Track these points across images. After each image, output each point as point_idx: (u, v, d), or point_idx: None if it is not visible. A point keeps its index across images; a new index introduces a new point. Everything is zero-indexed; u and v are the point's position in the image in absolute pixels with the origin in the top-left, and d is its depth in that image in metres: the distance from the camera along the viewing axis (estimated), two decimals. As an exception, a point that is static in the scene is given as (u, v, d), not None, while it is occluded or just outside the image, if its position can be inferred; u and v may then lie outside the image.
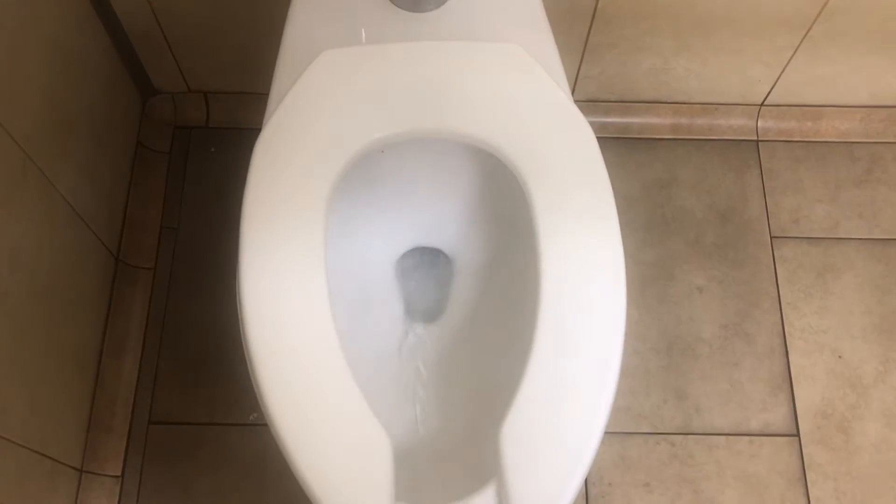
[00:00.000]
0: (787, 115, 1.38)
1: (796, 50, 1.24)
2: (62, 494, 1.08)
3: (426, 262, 1.02)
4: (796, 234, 1.32)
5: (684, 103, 1.37)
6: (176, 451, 1.16)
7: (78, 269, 1.12)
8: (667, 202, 1.33)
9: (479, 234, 0.99)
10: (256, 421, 1.17)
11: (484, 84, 0.82)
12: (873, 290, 1.28)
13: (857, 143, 1.39)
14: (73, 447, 1.11)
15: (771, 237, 1.31)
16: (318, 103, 0.83)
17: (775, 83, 1.32)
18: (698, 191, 1.34)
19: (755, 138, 1.38)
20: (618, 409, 1.19)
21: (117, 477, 1.14)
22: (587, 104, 1.35)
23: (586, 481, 1.15)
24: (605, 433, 0.72)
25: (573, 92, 1.32)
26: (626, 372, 0.76)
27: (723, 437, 1.19)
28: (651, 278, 1.28)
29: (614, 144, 1.35)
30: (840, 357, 1.24)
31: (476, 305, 0.97)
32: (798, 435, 1.19)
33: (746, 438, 1.19)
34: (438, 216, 1.00)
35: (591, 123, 0.83)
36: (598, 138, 0.82)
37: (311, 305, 0.75)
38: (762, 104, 1.37)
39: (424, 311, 0.99)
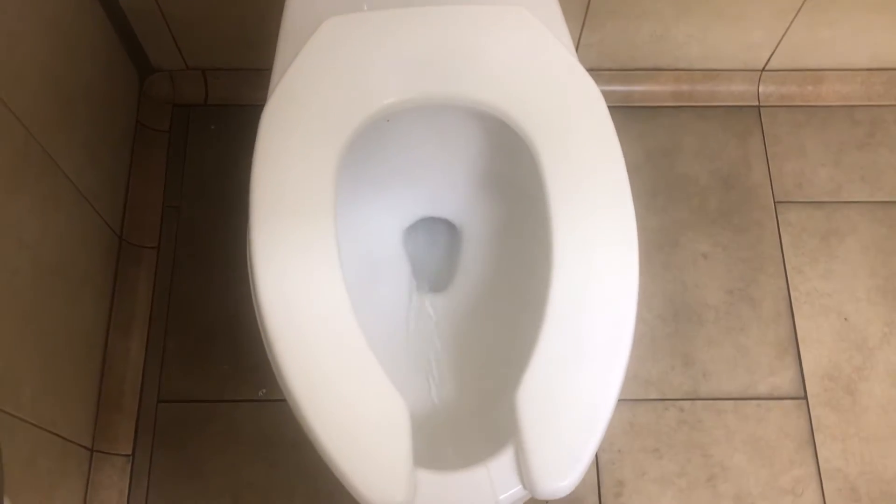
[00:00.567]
0: (788, 80, 1.37)
1: (797, 13, 1.23)
2: (74, 474, 1.08)
3: (434, 232, 1.01)
4: (799, 199, 1.32)
5: (685, 70, 1.36)
6: (186, 428, 1.16)
7: (82, 249, 1.11)
8: (670, 169, 1.33)
9: (487, 202, 0.99)
10: (266, 396, 1.17)
11: (490, 48, 0.82)
12: (877, 252, 1.29)
13: (859, 106, 1.38)
14: (83, 427, 1.10)
15: (774, 202, 1.31)
16: (323, 72, 0.82)
17: (776, 48, 1.32)
18: (701, 158, 1.34)
19: (757, 104, 1.38)
20: (626, 377, 1.19)
21: (128, 456, 1.14)
22: (588, 73, 1.34)
23: (596, 448, 1.16)
24: (615, 400, 0.73)
25: (574, 61, 1.31)
26: (633, 339, 0.76)
27: (731, 402, 1.19)
28: (656, 245, 1.28)
29: (616, 113, 1.32)
30: (846, 319, 1.24)
31: (485, 274, 0.97)
32: (805, 397, 1.20)
33: (754, 402, 1.19)
34: (445, 185, 0.99)
35: (593, 92, 0.83)
36: (601, 107, 0.82)
37: (325, 279, 0.75)
38: (763, 69, 1.37)
39: (433, 281, 0.99)
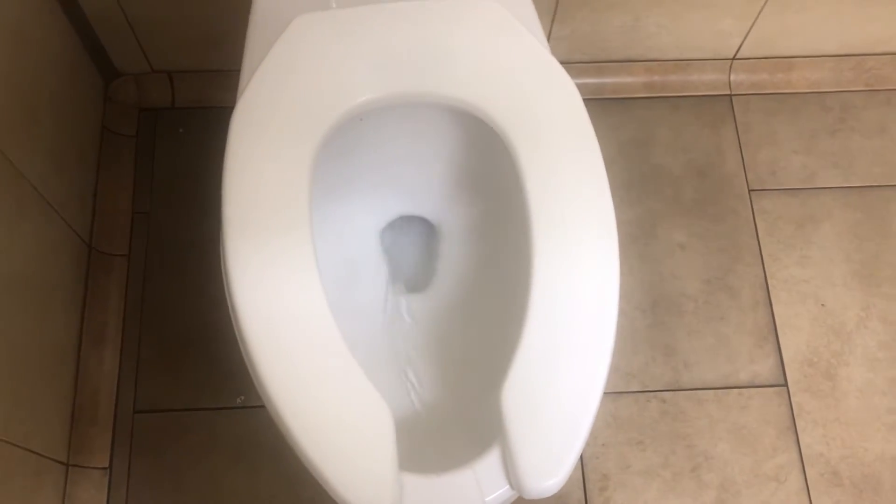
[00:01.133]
0: (758, 68, 1.38)
1: (766, 1, 1.23)
2: (50, 489, 1.05)
3: (411, 231, 1.00)
4: (774, 187, 1.32)
5: (656, 60, 1.36)
6: (163, 438, 1.14)
7: (50, 259, 1.08)
8: (644, 161, 1.33)
9: (464, 199, 0.98)
10: (244, 403, 1.15)
11: (463, 43, 0.81)
12: (852, 237, 1.29)
13: (829, 92, 1.39)
14: (58, 441, 1.08)
15: (749, 190, 1.32)
16: (293, 71, 0.80)
17: (746, 36, 1.32)
18: (675, 148, 1.34)
19: (728, 93, 1.38)
20: (607, 370, 1.19)
21: (105, 469, 1.12)
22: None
23: (580, 443, 1.15)
24: (597, 394, 0.72)
25: (545, 54, 1.30)
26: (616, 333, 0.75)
27: (712, 391, 1.19)
28: (632, 237, 1.28)
29: (588, 105, 1.31)
30: (823, 305, 1.25)
31: (464, 272, 0.96)
32: (786, 384, 1.20)
33: (735, 391, 1.19)
34: (421, 183, 0.98)
35: (566, 85, 0.82)
36: (574, 99, 0.81)
37: (302, 284, 0.73)
38: (734, 58, 1.37)
39: (412, 280, 0.98)
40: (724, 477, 1.15)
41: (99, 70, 1.27)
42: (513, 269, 0.85)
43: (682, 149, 1.34)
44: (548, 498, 1.12)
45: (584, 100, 0.82)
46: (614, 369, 1.20)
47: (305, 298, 0.73)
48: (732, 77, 1.38)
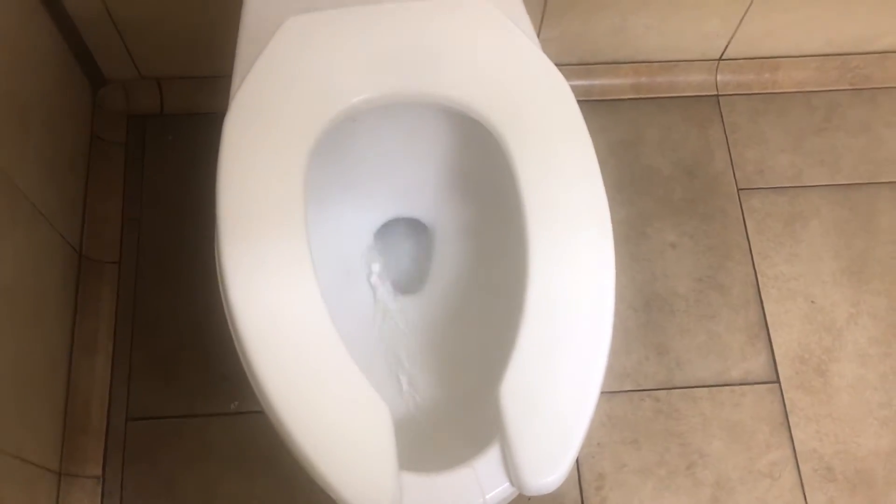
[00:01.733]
0: (745, 69, 1.39)
1: (752, 1, 1.24)
2: (43, 499, 1.04)
3: (405, 232, 1.00)
4: (762, 185, 1.33)
5: (644, 62, 1.37)
6: (157, 446, 1.13)
7: (42, 267, 1.08)
8: (634, 161, 1.34)
9: (458, 200, 0.98)
10: (238, 409, 1.15)
11: (455, 42, 0.81)
12: (839, 234, 1.30)
13: (814, 91, 1.40)
14: (50, 450, 1.07)
15: (738, 189, 1.33)
16: (285, 74, 0.80)
17: (732, 36, 1.33)
18: (663, 148, 1.35)
19: (715, 93, 1.39)
20: (601, 370, 1.20)
21: (98, 477, 1.11)
22: (551, 66, 1.34)
23: (575, 443, 1.15)
24: (591, 394, 0.72)
25: (534, 56, 1.31)
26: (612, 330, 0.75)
27: (705, 389, 1.20)
28: (623, 237, 1.29)
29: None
30: (813, 302, 1.26)
31: (459, 273, 0.96)
32: (778, 381, 1.21)
33: (728, 388, 1.20)
34: (415, 184, 0.98)
35: (554, 86, 0.82)
36: (563, 101, 0.81)
37: (298, 284, 0.73)
38: (720, 59, 1.38)
39: (407, 282, 0.98)
40: (718, 474, 1.15)
41: (87, 77, 1.27)
42: (508, 269, 0.85)
43: (671, 149, 1.35)
44: (544, 497, 1.12)
45: (574, 101, 0.82)
46: (607, 369, 1.20)
47: (302, 300, 0.72)
48: (719, 77, 1.39)
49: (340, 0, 0.84)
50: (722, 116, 1.38)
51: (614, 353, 1.19)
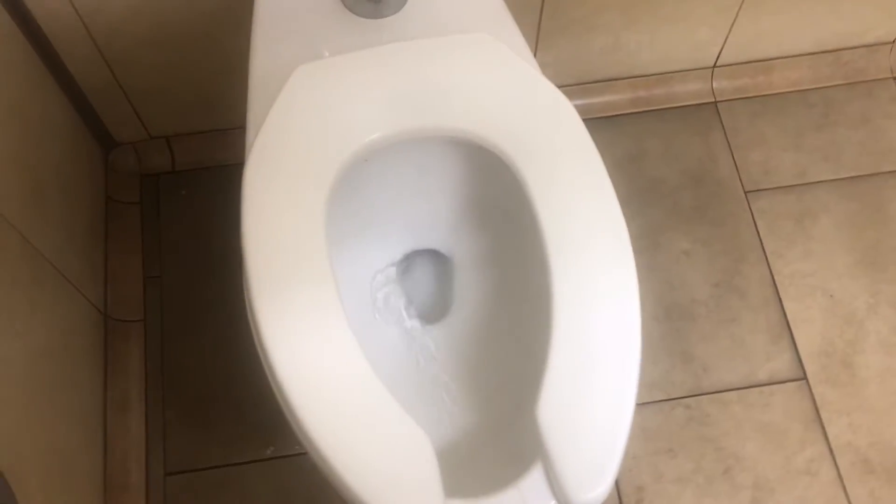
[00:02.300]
0: (739, 73, 1.41)
1: (740, 7, 1.27)
2: (90, 561, 1.05)
3: (424, 263, 1.02)
4: (768, 186, 1.35)
5: (640, 76, 1.39)
6: (197, 498, 1.14)
7: (70, 330, 1.09)
8: (639, 174, 1.36)
9: (473, 228, 0.99)
10: (274, 454, 1.16)
11: (461, 75, 0.83)
12: (850, 227, 1.32)
13: (810, 89, 1.42)
14: (93, 511, 1.08)
15: (745, 192, 1.34)
16: (300, 120, 0.82)
17: (724, 43, 1.35)
18: (668, 159, 1.37)
19: (713, 100, 1.41)
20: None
21: (141, 535, 1.12)
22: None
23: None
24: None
25: (532, 81, 1.33)
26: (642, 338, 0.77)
27: (734, 392, 1.20)
28: (637, 250, 1.27)
29: (579, 126, 1.37)
30: (831, 296, 1.27)
31: (481, 298, 0.98)
32: (805, 378, 1.21)
33: (757, 390, 1.21)
34: (429, 217, 1.00)
35: (554, 109, 0.84)
36: (563, 122, 0.83)
37: (331, 329, 0.74)
38: (714, 66, 1.40)
39: (430, 312, 0.99)
40: (756, 476, 1.15)
41: (97, 141, 1.30)
42: (530, 291, 0.87)
43: (675, 158, 1.37)
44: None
45: (575, 121, 0.84)
46: (635, 381, 1.21)
47: (336, 343, 0.73)
48: (715, 84, 1.41)
49: (344, 46, 0.86)
50: (722, 122, 1.40)
51: (640, 363, 1.21)
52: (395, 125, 0.81)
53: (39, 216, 1.05)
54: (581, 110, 1.37)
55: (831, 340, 1.24)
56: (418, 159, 0.92)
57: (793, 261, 1.29)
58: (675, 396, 1.20)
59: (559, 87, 1.36)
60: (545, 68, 1.32)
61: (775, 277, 1.28)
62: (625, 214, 1.31)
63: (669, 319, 1.25)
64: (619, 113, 1.40)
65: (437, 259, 1.02)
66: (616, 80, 1.39)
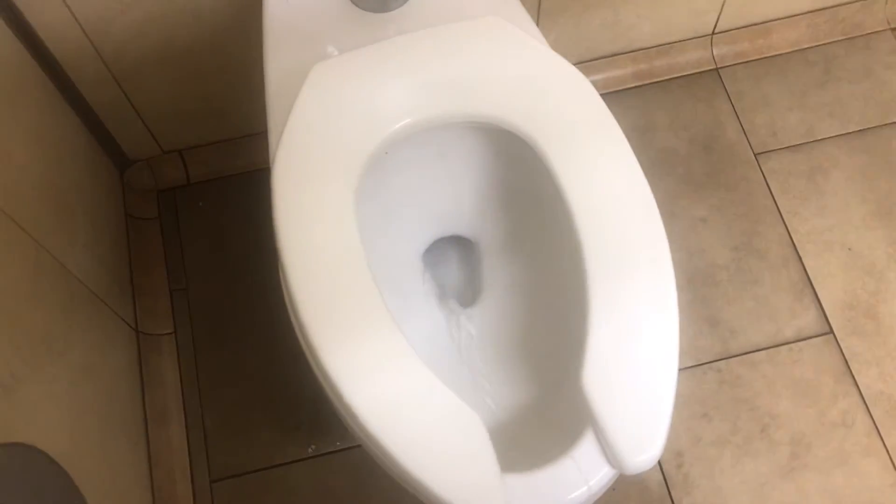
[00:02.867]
0: (738, 38, 1.42)
1: (735, -28, 1.28)
2: (147, 572, 1.07)
3: (451, 251, 1.03)
4: (777, 146, 1.36)
5: (640, 49, 1.40)
6: (244, 502, 1.15)
7: (105, 347, 1.11)
8: (649, 146, 1.37)
9: (497, 211, 1.01)
10: (316, 452, 1.17)
11: (477, 59, 0.84)
12: (862, 179, 1.33)
13: (810, 48, 1.43)
14: (144, 523, 1.10)
15: (755, 154, 1.35)
16: (322, 117, 0.83)
17: (721, 10, 1.36)
18: (675, 128, 1.38)
19: (714, 66, 1.42)
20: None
21: (193, 543, 1.13)
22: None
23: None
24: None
25: (535, 63, 1.34)
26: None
27: (763, 352, 1.22)
28: (654, 221, 1.31)
29: (585, 104, 1.38)
30: (850, 249, 1.28)
31: (512, 279, 0.99)
32: (832, 331, 1.23)
33: (785, 347, 1.22)
34: (453, 204, 1.01)
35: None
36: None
37: (374, 319, 0.75)
38: (713, 33, 1.41)
39: (462, 297, 1.01)
40: (792, 432, 1.17)
41: (112, 160, 1.31)
42: (561, 266, 0.88)
43: (683, 128, 1.38)
44: (630, 484, 1.14)
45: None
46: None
47: (382, 336, 0.74)
48: (715, 51, 1.42)
49: (356, 41, 0.87)
50: (725, 88, 1.41)
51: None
52: (417, 114, 0.83)
53: (68, 238, 1.06)
54: (585, 88, 1.40)
55: (854, 292, 1.25)
56: (439, 145, 0.93)
57: (809, 218, 1.30)
58: (705, 361, 1.21)
59: (562, 66, 1.38)
60: (547, 49, 1.34)
61: (793, 236, 1.29)
62: (639, 187, 1.33)
63: (692, 286, 1.26)
64: (622, 88, 1.41)
65: (463, 245, 1.03)
66: (617, 55, 1.40)
